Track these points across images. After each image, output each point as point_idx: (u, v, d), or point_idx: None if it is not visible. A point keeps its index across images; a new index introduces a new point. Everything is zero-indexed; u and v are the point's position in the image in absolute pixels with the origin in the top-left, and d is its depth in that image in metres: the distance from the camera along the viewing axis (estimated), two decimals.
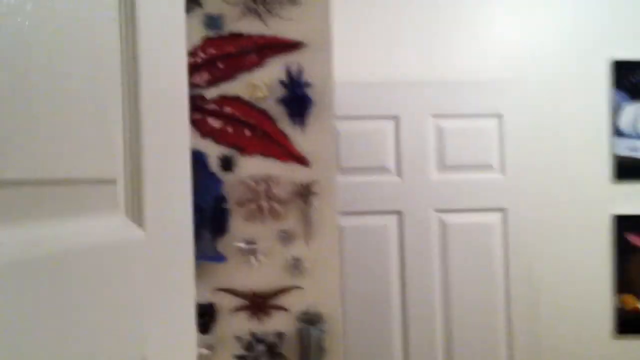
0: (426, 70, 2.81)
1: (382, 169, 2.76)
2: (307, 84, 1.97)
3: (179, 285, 0.80)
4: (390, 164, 2.77)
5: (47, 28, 0.57)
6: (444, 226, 2.80)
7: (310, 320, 2.02)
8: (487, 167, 2.81)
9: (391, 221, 2.78)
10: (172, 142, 0.79)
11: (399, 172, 2.77)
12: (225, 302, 2.01)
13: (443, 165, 2.79)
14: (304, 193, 2.00)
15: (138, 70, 0.70)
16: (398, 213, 2.78)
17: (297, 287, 2.02)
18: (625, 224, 2.88)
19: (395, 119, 2.76)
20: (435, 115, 2.77)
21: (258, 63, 1.98)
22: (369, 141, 2.74)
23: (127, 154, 0.69)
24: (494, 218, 2.82)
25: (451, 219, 2.80)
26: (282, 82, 1.98)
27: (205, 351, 1.98)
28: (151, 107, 0.72)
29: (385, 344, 2.78)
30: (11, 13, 0.51)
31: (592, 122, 2.89)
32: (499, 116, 2.80)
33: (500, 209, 2.82)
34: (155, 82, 0.75)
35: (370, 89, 2.74)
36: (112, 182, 0.66)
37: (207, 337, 2.00)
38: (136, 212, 0.69)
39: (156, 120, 0.74)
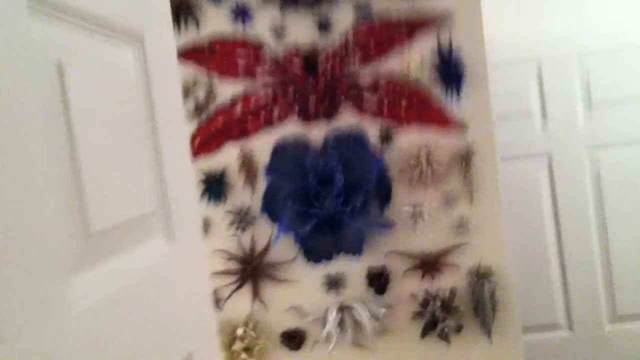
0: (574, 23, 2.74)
1: (527, 113, 2.76)
2: (459, 50, 2.01)
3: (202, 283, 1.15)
4: (535, 107, 2.76)
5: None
6: (597, 162, 2.77)
7: (482, 274, 2.10)
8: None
9: (541, 163, 2.79)
10: (182, 173, 1.08)
11: (544, 115, 2.75)
12: (398, 264, 2.13)
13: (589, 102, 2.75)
14: (464, 155, 2.06)
15: (157, 132, 0.98)
16: (547, 155, 2.78)
17: (465, 244, 2.10)
18: None
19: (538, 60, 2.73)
20: (580, 54, 2.71)
21: (409, 38, 2.03)
22: (511, 86, 2.73)
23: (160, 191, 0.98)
24: None
25: (603, 155, 2.77)
26: (435, 53, 2.02)
27: (383, 310, 2.11)
28: (169, 154, 1.01)
29: (545, 290, 2.83)
30: None
31: None
32: None
33: None
34: (169, 136, 1.02)
35: (513, 40, 2.71)
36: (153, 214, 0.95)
37: (384, 298, 2.13)
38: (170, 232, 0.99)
39: (173, 163, 1.03)
